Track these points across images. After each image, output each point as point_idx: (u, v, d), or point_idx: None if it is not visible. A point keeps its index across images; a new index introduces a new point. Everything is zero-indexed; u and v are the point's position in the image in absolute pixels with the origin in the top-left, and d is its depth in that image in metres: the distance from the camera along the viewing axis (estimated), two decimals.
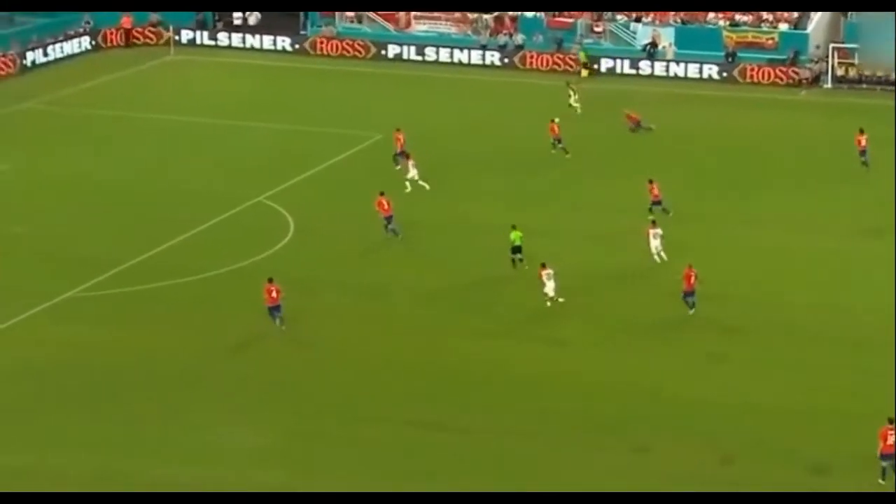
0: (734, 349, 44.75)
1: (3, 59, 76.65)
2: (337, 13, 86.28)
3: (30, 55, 78.12)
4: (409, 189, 57.91)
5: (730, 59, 78.96)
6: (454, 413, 40.75)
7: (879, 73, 76.56)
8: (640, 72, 79.32)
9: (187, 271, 50.25)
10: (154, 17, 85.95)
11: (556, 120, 64.75)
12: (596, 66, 79.85)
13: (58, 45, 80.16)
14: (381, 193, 52.79)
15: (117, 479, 36.67)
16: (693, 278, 46.90)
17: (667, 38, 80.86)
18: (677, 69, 79.04)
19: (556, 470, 37.60)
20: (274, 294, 45.69)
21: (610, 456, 38.36)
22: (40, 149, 64.26)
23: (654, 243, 50.86)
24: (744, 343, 45.18)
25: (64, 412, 40.51)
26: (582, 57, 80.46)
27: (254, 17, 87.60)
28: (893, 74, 75.91)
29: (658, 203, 55.41)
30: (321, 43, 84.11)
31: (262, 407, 41.07)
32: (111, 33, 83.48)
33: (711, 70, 78.45)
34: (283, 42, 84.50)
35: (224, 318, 46.89)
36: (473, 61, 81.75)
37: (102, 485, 36.07)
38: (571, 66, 79.89)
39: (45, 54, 79.09)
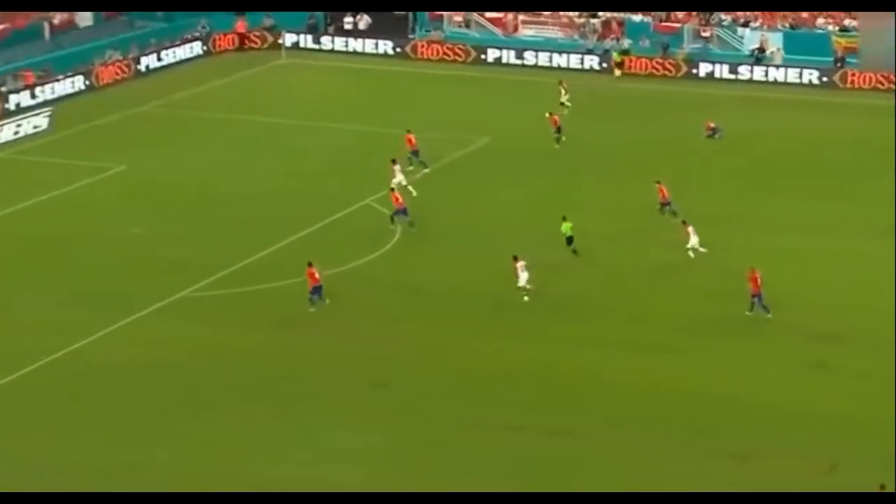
0: (831, 356, 44.20)
1: (119, 64, 77.63)
2: (445, 18, 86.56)
3: (144, 60, 79.02)
4: (414, 194, 57.68)
5: (838, 65, 77.91)
6: (555, 418, 40.71)
7: None
8: (740, 76, 78.48)
9: (295, 273, 50.54)
10: (267, 20, 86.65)
11: (555, 112, 66.34)
12: (694, 70, 79.33)
13: (171, 50, 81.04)
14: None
15: (226, 479, 36.94)
16: (758, 280, 46.75)
17: (775, 43, 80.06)
18: (777, 74, 78.20)
19: (659, 477, 37.45)
20: (316, 276, 47.11)
21: (715, 464, 38.15)
22: (156, 151, 64.96)
23: (693, 240, 51.33)
24: (840, 350, 44.61)
25: (175, 411, 40.94)
26: (616, 57, 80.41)
27: (363, 22, 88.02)
28: None
29: (667, 204, 55.51)
30: (422, 47, 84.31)
31: (369, 408, 41.22)
32: (222, 38, 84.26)
33: (812, 75, 77.53)
34: (386, 46, 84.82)
35: (328, 320, 47.12)
36: (573, 65, 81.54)
37: (211, 484, 36.32)
38: (670, 71, 79.37)
39: (160, 59, 79.93)
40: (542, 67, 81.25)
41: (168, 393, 42.07)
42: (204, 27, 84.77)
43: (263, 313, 47.78)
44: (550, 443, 39.39)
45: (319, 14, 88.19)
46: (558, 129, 65.53)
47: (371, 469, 37.78)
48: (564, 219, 52.24)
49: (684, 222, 52.31)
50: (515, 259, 48.67)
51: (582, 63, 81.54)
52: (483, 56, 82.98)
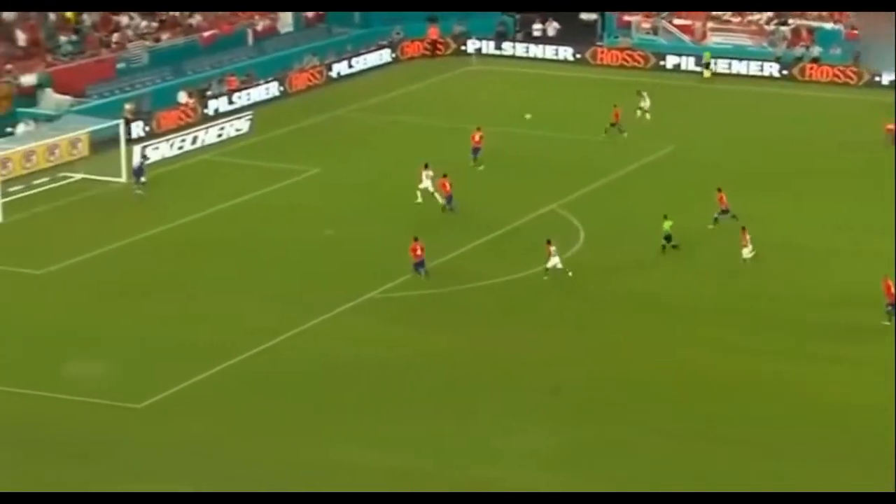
0: None
1: (312, 70, 78.99)
2: (633, 25, 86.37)
3: (336, 67, 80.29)
4: (419, 199, 57.90)
5: None
6: (726, 425, 40.52)
7: None
8: None
9: (480, 276, 51.03)
10: (457, 27, 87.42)
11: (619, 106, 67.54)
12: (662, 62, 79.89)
13: (362, 57, 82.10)
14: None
15: (410, 479, 37.23)
16: (893, 288, 46.26)
17: None
18: None
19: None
20: (419, 251, 49.34)
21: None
22: (349, 155, 66.04)
23: (746, 250, 51.27)
24: None
25: (363, 409, 41.48)
26: (706, 57, 79.39)
27: (552, 28, 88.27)
28: None
29: (726, 212, 54.93)
30: (602, 53, 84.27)
31: (550, 412, 41.34)
32: (410, 45, 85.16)
33: None
34: (566, 52, 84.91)
35: (510, 325, 47.43)
36: (752, 72, 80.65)
37: (396, 483, 36.69)
38: (852, 79, 78.04)
39: (350, 66, 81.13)
40: (721, 74, 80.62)
41: (357, 391, 42.65)
42: (398, 34, 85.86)
43: (449, 315, 48.25)
44: (729, 452, 39.15)
45: (509, 20, 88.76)
46: (613, 124, 66.49)
47: (553, 472, 37.88)
48: (665, 217, 52.78)
49: (743, 228, 51.78)
50: (549, 243, 49.91)
51: (761, 70, 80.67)
52: (662, 62, 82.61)
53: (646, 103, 71.10)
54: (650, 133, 68.75)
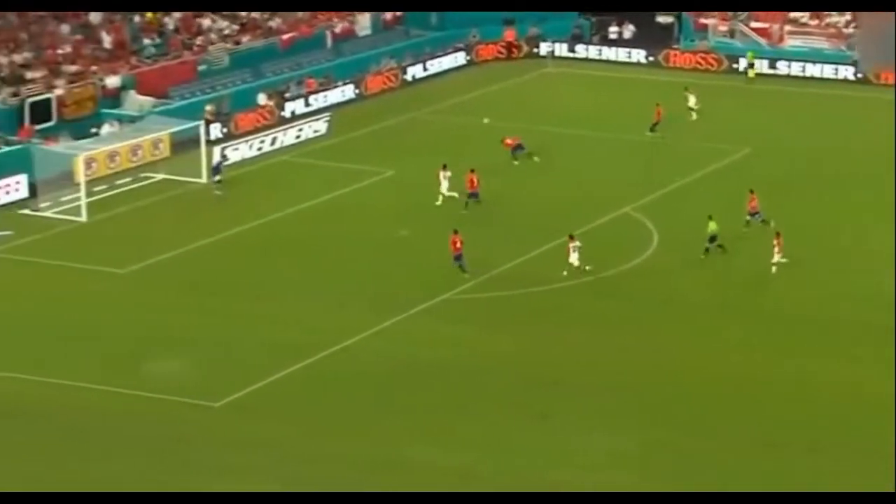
0: None
1: (387, 73, 79.32)
2: (710, 28, 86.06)
3: (410, 70, 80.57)
4: (440, 202, 58.37)
5: None
6: (795, 430, 40.38)
7: None
8: None
9: (553, 279, 51.14)
10: (533, 30, 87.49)
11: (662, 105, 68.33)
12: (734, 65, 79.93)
13: (437, 60, 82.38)
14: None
15: (484, 479, 37.36)
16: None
17: None
18: None
19: None
20: (458, 245, 50.25)
21: None
22: (423, 157, 66.19)
23: (777, 255, 50.71)
24: None
25: (438, 409, 41.70)
26: (749, 57, 79.65)
27: (628, 31, 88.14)
28: None
29: (755, 214, 54.53)
30: (675, 56, 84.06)
31: (626, 414, 41.39)
32: (484, 48, 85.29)
33: None
34: (639, 55, 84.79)
35: (583, 327, 47.52)
36: (826, 75, 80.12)
37: (469, 484, 36.88)
38: None
39: (425, 69, 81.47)
40: (795, 77, 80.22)
41: (431, 392, 42.87)
42: (474, 36, 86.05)
43: (522, 317, 48.36)
44: (799, 457, 39.06)
45: (585, 23, 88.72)
46: (656, 124, 67.25)
47: (625, 474, 37.85)
48: (710, 218, 52.63)
49: (778, 234, 51.32)
50: (571, 238, 50.42)
51: (836, 73, 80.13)
52: (735, 65, 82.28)
53: (692, 101, 71.25)
54: (727, 135, 68.52)
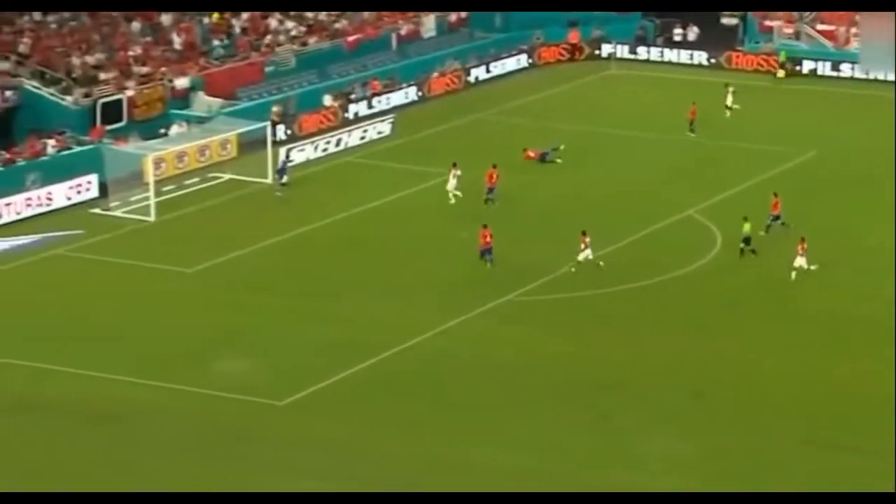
0: None
1: (451, 75, 79.44)
2: (775, 30, 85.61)
3: (474, 72, 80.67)
4: (452, 201, 58.88)
5: None
6: (864, 436, 40.18)
7: None
8: None
9: (614, 281, 51.09)
10: (596, 32, 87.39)
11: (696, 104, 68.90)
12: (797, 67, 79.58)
13: (499, 62, 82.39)
14: (494, 166, 54.06)
15: (546, 480, 37.39)
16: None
17: None
18: None
19: None
20: (488, 238, 51.32)
21: None
22: (487, 158, 65.94)
23: (800, 260, 50.11)
24: None
25: (500, 410, 41.73)
26: (781, 57, 79.43)
27: (693, 33, 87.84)
28: None
29: (776, 218, 54.06)
30: (737, 58, 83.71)
31: (686, 418, 41.29)
32: (546, 50, 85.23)
33: None
34: (700, 57, 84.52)
35: (646, 329, 47.44)
36: (890, 78, 79.47)
37: (531, 484, 36.93)
38: None
39: (488, 70, 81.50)
40: (859, 80, 79.59)
41: (494, 393, 42.92)
42: (538, 38, 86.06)
43: (585, 319, 48.34)
44: (869, 463, 38.87)
45: (649, 25, 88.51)
46: (691, 122, 67.74)
47: (687, 478, 37.72)
48: (746, 219, 52.62)
49: (802, 239, 50.79)
50: (584, 234, 50.95)
51: (885, 76, 79.48)
52: (797, 67, 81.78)
53: (729, 100, 71.26)
54: (792, 138, 68.19)
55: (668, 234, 56.14)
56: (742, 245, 52.64)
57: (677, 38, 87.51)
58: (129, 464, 38.37)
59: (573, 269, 51.03)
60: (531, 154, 65.54)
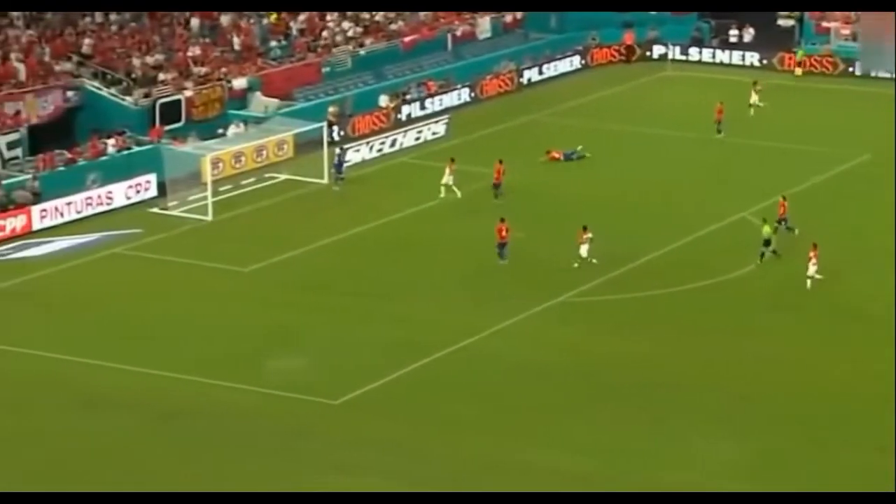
0: None
1: (503, 76, 79.53)
2: (832, 32, 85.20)
3: (526, 73, 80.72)
4: (442, 194, 59.56)
5: None
6: None
7: None
8: None
9: (669, 282, 51.09)
10: (651, 33, 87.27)
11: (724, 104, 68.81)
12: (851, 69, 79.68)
13: (552, 64, 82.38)
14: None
15: (598, 481, 37.43)
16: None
17: None
18: None
19: None
20: (504, 233, 51.63)
21: None
22: (542, 160, 66.65)
23: (812, 269, 49.77)
24: None
25: (553, 411, 41.83)
26: (798, 55, 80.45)
27: (748, 34, 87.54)
28: None
29: (782, 221, 53.80)
30: (789, 59, 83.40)
31: (737, 420, 41.21)
32: (598, 51, 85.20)
33: None
34: (752, 58, 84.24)
35: (698, 331, 47.44)
36: None
37: (576, 484, 36.93)
38: None
39: (541, 72, 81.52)
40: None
41: (547, 394, 43.01)
42: (594, 39, 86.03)
43: (639, 320, 48.35)
44: None
45: (704, 26, 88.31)
46: (718, 122, 67.88)
47: (741, 481, 37.64)
48: (765, 221, 52.86)
49: (815, 245, 50.35)
50: (585, 229, 51.52)
51: None
52: (851, 69, 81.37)
53: (754, 98, 71.13)
54: (847, 140, 67.88)
55: (721, 236, 56.03)
56: (763, 248, 52.30)
57: (733, 40, 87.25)
58: (192, 461, 38.73)
59: (576, 265, 51.51)
60: (555, 155, 65.52)
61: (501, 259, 52.49)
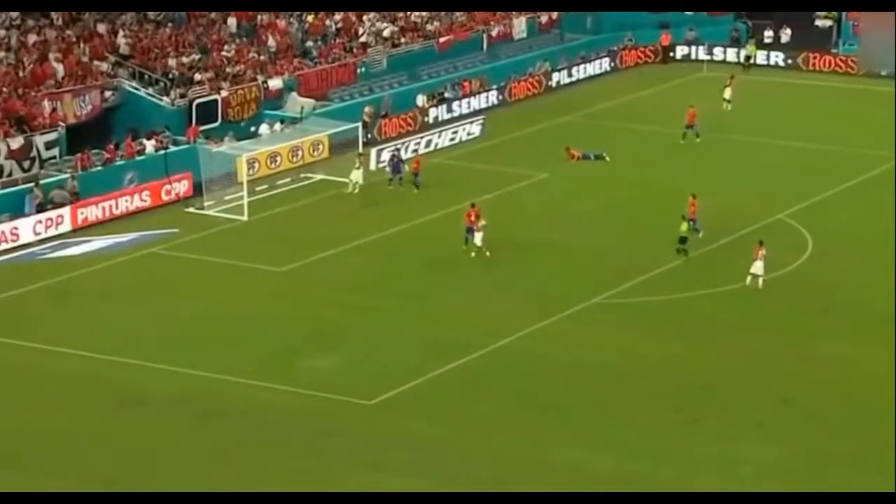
0: None
1: (530, 79, 79.39)
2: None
3: (555, 76, 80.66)
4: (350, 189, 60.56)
5: None
6: None
7: None
8: None
9: (705, 284, 50.98)
10: (689, 33, 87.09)
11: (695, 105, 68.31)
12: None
13: (582, 66, 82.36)
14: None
15: (632, 482, 37.40)
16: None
17: None
18: None
19: None
20: (472, 218, 52.62)
21: None
22: (576, 160, 66.53)
23: (758, 265, 49.27)
24: None
25: (588, 412, 41.84)
26: (749, 49, 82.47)
27: (785, 35, 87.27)
28: None
29: (692, 221, 53.56)
30: (814, 59, 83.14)
31: (775, 423, 41.08)
32: (628, 53, 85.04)
33: None
34: (777, 58, 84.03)
35: (735, 333, 47.31)
36: None
37: (611, 486, 36.97)
38: None
39: (569, 75, 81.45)
40: None
41: (582, 394, 43.00)
42: (630, 40, 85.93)
43: (675, 322, 48.28)
44: None
45: (742, 27, 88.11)
46: (689, 126, 67.28)
47: (775, 483, 37.54)
48: (683, 218, 52.85)
49: (760, 242, 50.13)
50: (478, 218, 52.11)
51: None
52: (876, 69, 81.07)
53: (727, 93, 71.58)
54: (879, 143, 67.59)
55: (759, 236, 55.72)
56: (678, 245, 52.49)
57: (768, 40, 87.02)
58: (228, 461, 38.84)
59: (473, 255, 52.45)
60: (574, 153, 65.44)
61: (466, 244, 53.17)
